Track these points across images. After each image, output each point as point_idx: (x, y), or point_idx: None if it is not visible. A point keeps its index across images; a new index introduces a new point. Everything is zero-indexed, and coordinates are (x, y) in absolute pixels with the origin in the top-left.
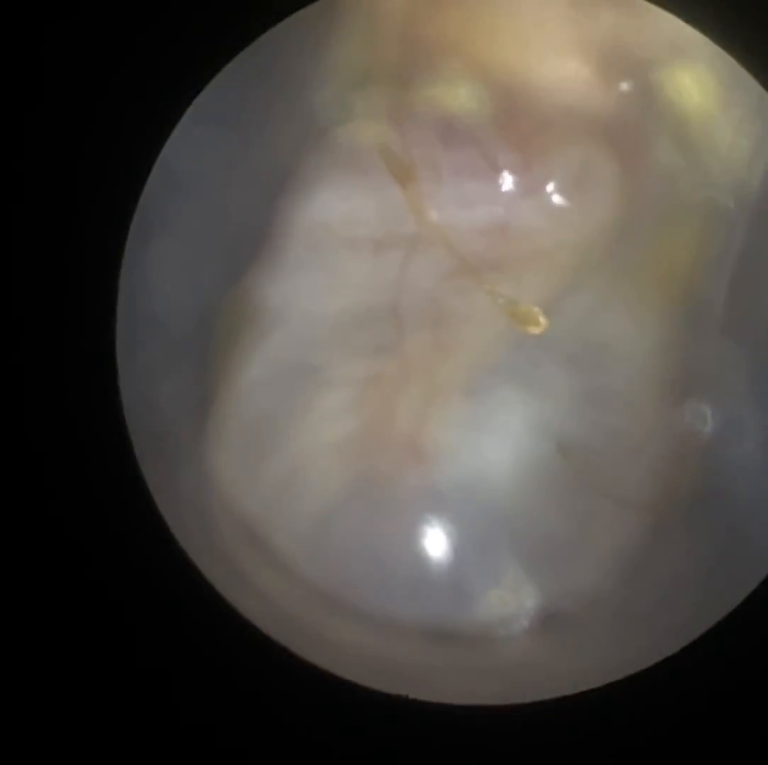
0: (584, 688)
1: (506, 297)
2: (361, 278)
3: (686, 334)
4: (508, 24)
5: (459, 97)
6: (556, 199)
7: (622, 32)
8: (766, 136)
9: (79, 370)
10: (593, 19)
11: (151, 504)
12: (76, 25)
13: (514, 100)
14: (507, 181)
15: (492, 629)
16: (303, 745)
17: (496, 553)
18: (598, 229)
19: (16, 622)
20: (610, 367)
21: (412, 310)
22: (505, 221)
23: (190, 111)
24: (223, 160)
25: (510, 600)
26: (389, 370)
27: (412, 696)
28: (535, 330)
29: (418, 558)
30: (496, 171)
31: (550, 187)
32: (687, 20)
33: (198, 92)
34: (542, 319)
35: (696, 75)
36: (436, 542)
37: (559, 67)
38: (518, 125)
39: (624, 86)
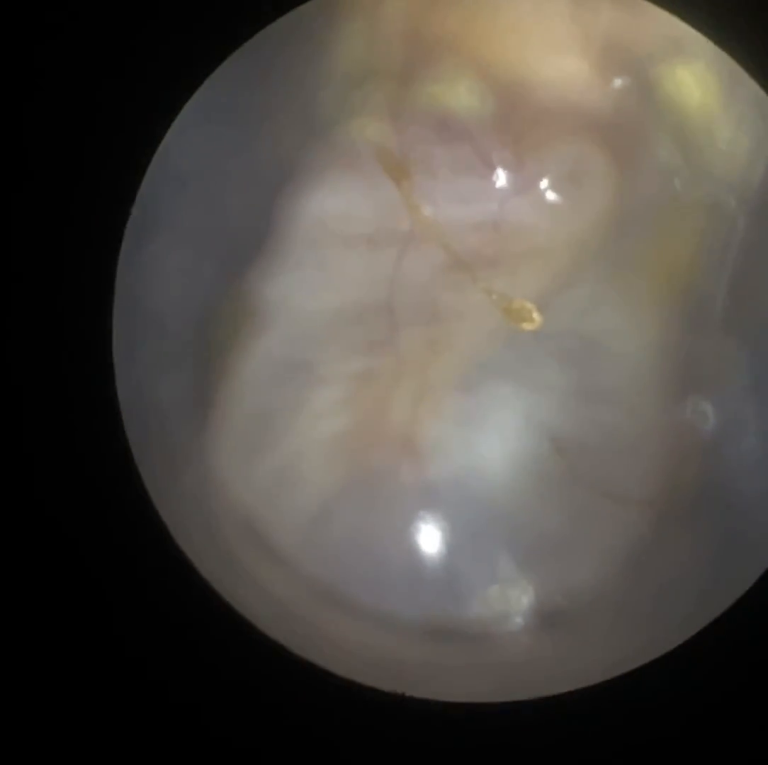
0: (582, 685)
1: (500, 293)
2: (356, 275)
3: (687, 331)
4: (508, 20)
5: (458, 94)
6: (551, 195)
7: (621, 29)
8: (765, 134)
9: (76, 368)
10: (592, 16)
11: (147, 501)
12: (74, 23)
13: (512, 97)
14: (501, 178)
15: (489, 626)
16: (299, 741)
17: (492, 550)
18: (593, 225)
19: (16, 622)
20: (605, 364)
21: (407, 307)
22: (500, 218)
23: (187, 108)
24: (220, 157)
25: (506, 597)
26: (384, 366)
27: (408, 693)
28: (529, 326)
29: (414, 555)
30: (491, 167)
31: (544, 183)
32: (686, 20)
33: (196, 89)
34: (536, 316)
35: (695, 72)
36: (431, 538)
37: (558, 63)
38: (514, 122)
39: (622, 83)
